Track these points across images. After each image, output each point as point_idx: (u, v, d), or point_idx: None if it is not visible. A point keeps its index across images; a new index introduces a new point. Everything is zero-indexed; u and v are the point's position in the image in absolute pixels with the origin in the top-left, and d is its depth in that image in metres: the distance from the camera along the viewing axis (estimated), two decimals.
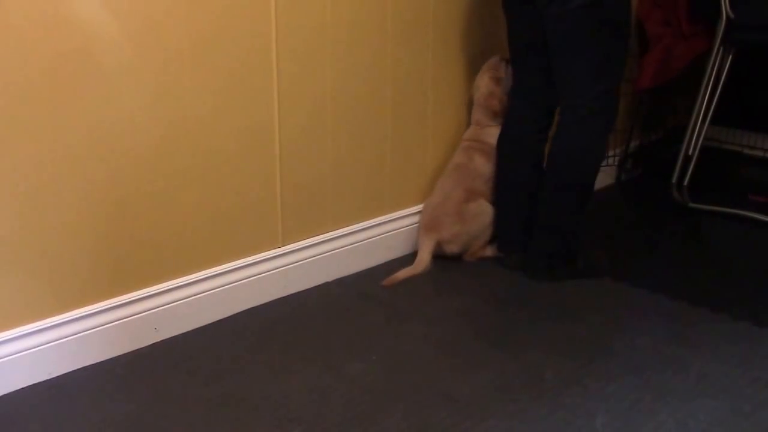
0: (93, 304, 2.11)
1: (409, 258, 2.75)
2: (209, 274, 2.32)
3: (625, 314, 2.43)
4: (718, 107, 3.28)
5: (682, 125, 3.43)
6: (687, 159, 3.32)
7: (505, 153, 2.76)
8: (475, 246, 2.79)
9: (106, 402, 1.97)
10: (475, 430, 1.87)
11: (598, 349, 2.23)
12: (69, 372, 2.09)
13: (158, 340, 2.24)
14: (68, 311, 2.07)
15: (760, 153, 3.78)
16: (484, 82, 2.86)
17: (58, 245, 2.01)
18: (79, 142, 1.97)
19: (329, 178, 2.56)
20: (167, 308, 2.25)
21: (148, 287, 2.21)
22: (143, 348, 2.21)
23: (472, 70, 2.91)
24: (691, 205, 3.26)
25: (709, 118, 3.29)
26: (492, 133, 2.83)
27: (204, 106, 2.18)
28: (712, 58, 3.23)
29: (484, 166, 2.81)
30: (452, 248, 2.76)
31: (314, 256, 2.57)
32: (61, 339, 2.06)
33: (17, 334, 1.99)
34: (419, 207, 2.87)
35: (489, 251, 2.82)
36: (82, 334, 2.09)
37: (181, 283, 2.27)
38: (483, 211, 2.78)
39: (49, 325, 2.04)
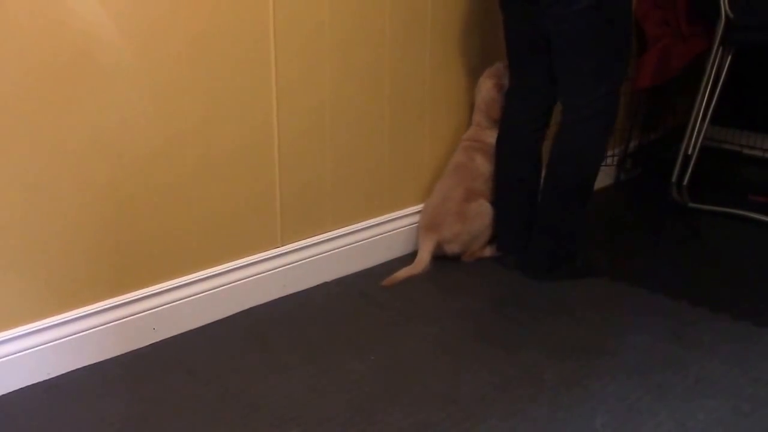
0: (92, 304, 2.11)
1: (409, 258, 2.75)
2: (208, 274, 2.32)
3: (625, 314, 2.43)
4: (717, 107, 3.28)
5: (682, 125, 3.42)
6: (686, 159, 3.32)
7: (504, 153, 2.77)
8: (475, 246, 2.79)
9: (105, 402, 1.97)
10: (474, 430, 1.87)
11: (597, 349, 2.23)
12: (68, 372, 2.09)
13: (157, 340, 2.24)
14: (67, 311, 2.07)
15: (759, 153, 3.78)
16: (486, 88, 2.85)
17: (57, 245, 2.01)
18: (78, 143, 1.97)
19: (328, 178, 2.56)
20: (166, 308, 2.24)
21: (147, 287, 2.21)
22: (142, 348, 2.21)
23: (471, 70, 2.90)
24: (691, 205, 3.26)
25: (708, 118, 3.29)
26: (492, 134, 2.82)
27: (203, 107, 2.18)
28: (712, 58, 3.22)
29: (484, 166, 2.81)
30: (452, 248, 2.75)
31: (313, 256, 2.57)
32: (59, 339, 2.06)
33: (16, 334, 1.99)
34: (418, 207, 2.86)
35: (488, 251, 2.82)
36: (80, 334, 2.09)
37: (180, 283, 2.26)
38: (483, 211, 2.78)
39: (47, 325, 2.04)
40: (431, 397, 2.00)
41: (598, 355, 2.19)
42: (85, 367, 2.11)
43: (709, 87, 3.26)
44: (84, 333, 2.10)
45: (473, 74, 2.89)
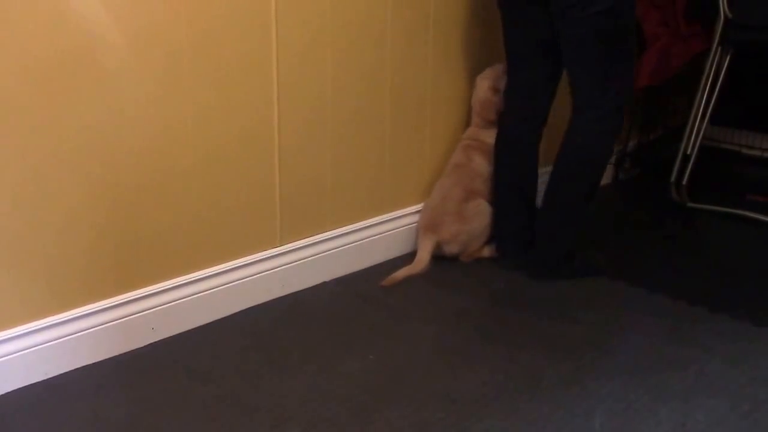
0: (90, 303, 2.11)
1: (408, 257, 2.75)
2: (207, 274, 2.32)
3: (624, 314, 2.43)
4: (716, 107, 3.28)
5: (681, 125, 3.42)
6: (685, 158, 3.32)
7: (503, 153, 2.77)
8: (474, 246, 2.78)
9: (103, 402, 1.97)
10: (473, 430, 1.87)
11: (596, 349, 2.22)
12: (66, 372, 2.08)
13: (156, 339, 2.24)
14: (65, 311, 2.07)
15: (758, 152, 3.78)
16: (482, 88, 2.86)
17: (56, 245, 2.00)
18: (77, 142, 1.97)
19: (328, 178, 2.56)
20: (165, 308, 2.24)
21: (146, 287, 2.21)
22: (141, 348, 2.21)
23: (472, 69, 2.90)
24: (690, 204, 3.26)
25: (707, 118, 3.29)
26: (491, 134, 2.82)
27: (203, 105, 2.18)
28: (711, 58, 3.23)
29: (482, 166, 2.81)
30: (452, 248, 2.75)
31: (312, 256, 2.57)
32: (58, 339, 2.06)
33: (14, 334, 1.99)
34: (418, 206, 2.86)
35: (486, 251, 2.82)
36: (79, 333, 2.09)
37: (179, 283, 2.26)
38: (482, 211, 2.78)
39: (45, 324, 2.03)
40: (430, 397, 2.00)
41: (596, 355, 2.19)
42: (83, 367, 2.11)
43: (708, 87, 3.26)
44: (82, 333, 2.09)
45: (475, 73, 2.89)
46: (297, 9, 2.31)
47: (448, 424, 1.89)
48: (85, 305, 2.10)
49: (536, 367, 2.13)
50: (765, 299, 2.52)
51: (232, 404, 1.96)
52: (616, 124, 2.58)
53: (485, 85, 2.85)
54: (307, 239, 2.55)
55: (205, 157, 2.22)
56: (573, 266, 2.68)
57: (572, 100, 2.58)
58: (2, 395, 1.98)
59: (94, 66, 1.95)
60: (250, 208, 2.38)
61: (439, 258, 2.74)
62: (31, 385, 2.03)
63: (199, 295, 2.31)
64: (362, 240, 2.71)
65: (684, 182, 3.30)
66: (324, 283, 2.61)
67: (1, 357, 1.98)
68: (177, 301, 2.26)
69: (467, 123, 2.93)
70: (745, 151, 3.81)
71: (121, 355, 2.17)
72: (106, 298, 2.13)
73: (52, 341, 2.05)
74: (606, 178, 3.62)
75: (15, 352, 1.99)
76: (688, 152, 3.31)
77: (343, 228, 2.65)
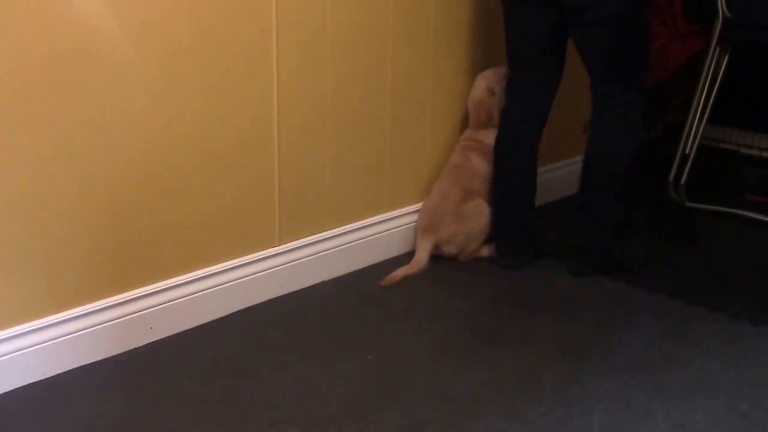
0: (88, 303, 2.11)
1: (407, 256, 2.75)
2: (205, 274, 2.31)
3: (622, 313, 2.43)
4: (715, 106, 3.28)
5: (679, 124, 3.42)
6: (684, 158, 3.32)
7: (503, 152, 2.76)
8: (472, 246, 2.78)
9: (102, 402, 1.97)
10: (471, 429, 1.87)
11: (594, 348, 2.22)
12: (64, 372, 2.08)
13: (154, 339, 2.24)
14: (63, 311, 2.06)
15: (756, 152, 3.78)
16: (479, 89, 2.85)
17: (53, 244, 2.00)
18: (74, 141, 1.97)
19: (327, 177, 2.55)
20: (163, 308, 2.24)
21: (144, 286, 2.20)
22: (139, 348, 2.20)
23: (472, 70, 2.90)
24: (688, 204, 3.26)
25: (706, 117, 3.29)
26: (489, 134, 2.82)
27: (203, 104, 2.18)
28: (709, 58, 3.22)
29: (481, 166, 2.81)
30: (450, 249, 2.75)
31: (311, 255, 2.57)
32: (56, 339, 2.06)
33: (12, 334, 1.99)
34: (417, 206, 2.86)
35: (485, 251, 2.81)
36: (77, 333, 2.09)
37: (177, 283, 2.26)
38: (481, 211, 2.78)
39: (44, 324, 2.03)
40: (428, 396, 2.00)
41: (595, 355, 2.19)
42: (81, 367, 2.10)
43: (706, 86, 3.25)
44: (80, 332, 2.09)
45: (475, 73, 2.89)
46: (297, 7, 2.31)
47: (446, 423, 1.89)
48: (83, 305, 2.10)
49: (535, 366, 2.13)
50: (763, 299, 2.52)
51: (230, 404, 1.96)
52: (639, 117, 2.60)
53: (482, 85, 2.85)
54: (305, 239, 2.55)
55: (204, 155, 2.22)
56: (612, 261, 2.69)
57: (593, 100, 2.60)
58: (0, 395, 1.98)
59: (93, 65, 1.95)
60: (249, 207, 2.37)
61: (437, 258, 2.74)
62: (29, 384, 2.02)
63: (197, 294, 2.30)
64: (361, 239, 2.70)
65: (682, 182, 3.30)
66: (323, 283, 2.61)
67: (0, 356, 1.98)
68: (175, 301, 2.26)
69: (466, 123, 2.92)
70: (743, 150, 3.81)
71: (119, 354, 2.17)
72: (104, 298, 2.13)
73: (50, 341, 2.05)
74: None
75: (13, 352, 1.99)
76: (687, 151, 3.31)
77: (342, 227, 2.65)
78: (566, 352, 2.21)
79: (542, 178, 2.78)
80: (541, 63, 2.63)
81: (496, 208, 2.80)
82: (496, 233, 2.81)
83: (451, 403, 1.97)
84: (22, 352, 2.00)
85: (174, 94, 2.12)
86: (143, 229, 2.16)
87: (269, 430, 1.86)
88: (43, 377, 2.05)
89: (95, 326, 2.12)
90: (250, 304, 2.43)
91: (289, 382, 2.06)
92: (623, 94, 2.53)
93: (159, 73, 2.07)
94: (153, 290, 2.22)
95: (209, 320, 2.34)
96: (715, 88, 3.24)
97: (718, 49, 3.20)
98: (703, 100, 3.27)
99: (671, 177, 3.31)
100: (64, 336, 2.07)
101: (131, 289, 2.18)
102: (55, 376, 2.06)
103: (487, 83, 2.84)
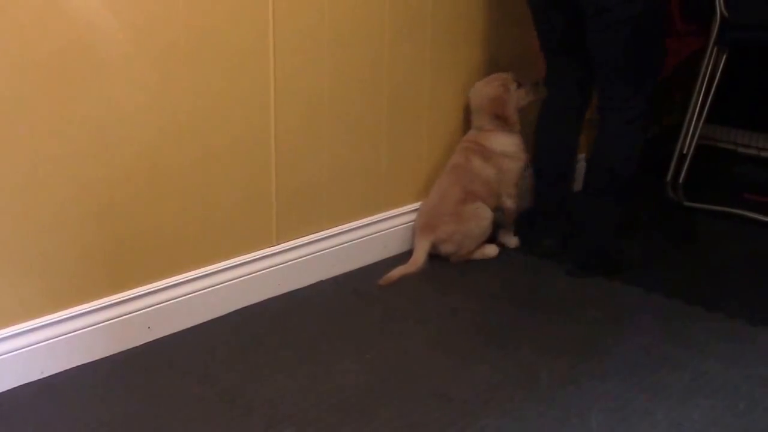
0: (86, 302, 2.10)
1: (405, 256, 2.74)
2: (203, 273, 2.31)
3: (620, 313, 2.43)
4: (712, 105, 3.28)
5: (677, 123, 3.42)
6: (682, 157, 3.32)
7: (545, 146, 2.83)
8: (467, 248, 2.76)
9: (99, 401, 1.96)
10: (469, 429, 1.86)
11: (592, 348, 2.22)
12: (62, 371, 2.08)
13: (151, 339, 2.23)
14: (61, 310, 2.06)
15: (754, 151, 3.78)
16: (492, 88, 2.83)
17: (51, 243, 2.00)
18: (73, 140, 1.96)
19: (325, 176, 2.55)
20: (160, 307, 2.24)
21: (142, 286, 2.20)
22: (136, 347, 2.20)
23: (471, 69, 2.90)
24: (686, 203, 3.26)
25: (704, 117, 3.29)
26: (493, 138, 2.82)
27: (200, 103, 2.18)
28: (707, 57, 3.22)
29: (481, 168, 2.80)
30: (447, 248, 2.75)
31: (309, 255, 2.57)
32: (53, 338, 2.05)
33: (9, 333, 1.98)
34: (414, 206, 2.86)
35: (488, 251, 2.81)
36: (74, 333, 2.08)
37: (175, 282, 2.26)
38: (480, 215, 2.77)
39: (41, 324, 2.03)
40: (426, 396, 1.99)
41: (593, 354, 2.19)
42: (79, 366, 2.10)
43: (704, 85, 3.26)
44: (78, 332, 2.09)
45: (473, 73, 2.89)
46: (294, 6, 2.31)
47: (445, 423, 1.89)
48: (80, 304, 2.09)
49: (532, 366, 2.13)
50: (761, 298, 2.52)
51: (227, 403, 1.96)
52: (646, 121, 2.62)
53: (495, 83, 2.83)
54: (303, 238, 2.55)
55: (201, 155, 2.22)
56: (610, 262, 2.70)
57: (600, 101, 2.62)
58: None
59: (91, 64, 1.95)
60: (247, 206, 2.37)
61: (435, 257, 2.74)
62: (26, 384, 2.02)
63: (194, 294, 2.30)
64: (359, 239, 2.70)
65: (680, 181, 3.30)
66: (320, 282, 2.61)
67: None
68: (172, 301, 2.26)
69: (465, 122, 2.92)
70: (741, 149, 3.81)
71: (116, 354, 2.16)
72: (101, 297, 2.13)
73: (47, 340, 2.04)
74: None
75: (10, 352, 1.99)
76: (685, 151, 3.31)
77: (340, 227, 2.65)
78: (565, 351, 2.21)
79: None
80: (569, 53, 2.68)
81: (537, 190, 2.85)
82: (536, 216, 2.85)
83: (450, 402, 1.97)
84: (19, 351, 2.00)
85: (171, 94, 2.11)
86: (141, 228, 2.15)
87: (267, 429, 1.86)
88: (40, 377, 2.05)
89: (93, 326, 2.11)
90: (247, 304, 2.43)
91: (286, 381, 2.06)
92: (632, 99, 2.55)
93: (156, 72, 2.07)
94: (150, 290, 2.21)
95: (207, 320, 2.34)
96: (713, 87, 3.24)
97: (715, 48, 3.20)
98: (701, 99, 3.27)
99: (669, 176, 3.32)
100: (61, 335, 2.06)
101: (129, 289, 2.18)
102: (52, 375, 2.06)
103: (499, 81, 2.83)
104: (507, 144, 2.83)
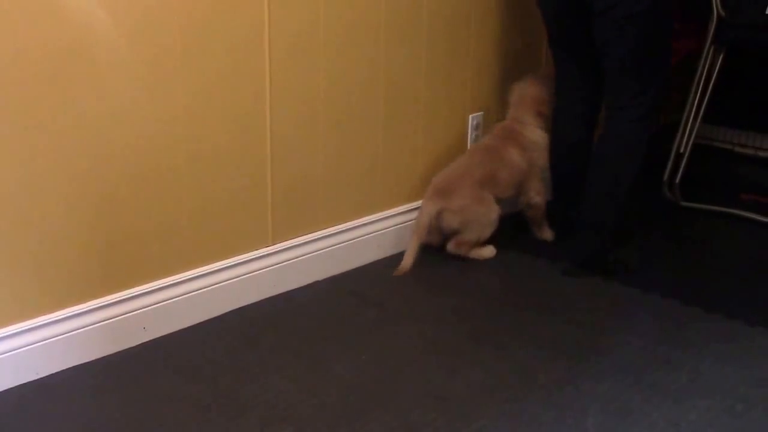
0: (81, 303, 2.10)
1: (400, 257, 2.73)
2: (198, 273, 2.31)
3: (617, 313, 2.43)
4: (709, 105, 3.28)
5: (674, 123, 3.42)
6: (678, 157, 3.32)
7: (560, 150, 2.85)
8: (470, 234, 2.74)
9: (95, 402, 1.96)
10: (466, 430, 1.86)
11: (589, 349, 2.22)
12: (57, 372, 2.07)
13: (147, 339, 2.23)
14: (56, 311, 2.06)
15: (751, 151, 3.78)
16: (537, 88, 2.89)
17: (45, 244, 1.99)
18: (66, 140, 1.96)
19: (320, 176, 2.55)
20: (156, 307, 2.23)
21: (137, 286, 2.20)
22: (132, 347, 2.20)
23: (467, 68, 2.90)
24: (683, 203, 3.26)
25: (700, 117, 3.29)
26: (531, 131, 2.87)
27: (195, 102, 2.17)
28: (704, 57, 3.22)
29: (516, 157, 2.83)
30: (452, 222, 2.73)
31: (304, 255, 2.56)
32: (48, 338, 2.05)
33: (4, 334, 1.98)
34: (410, 205, 2.85)
35: (474, 254, 2.79)
36: (70, 333, 2.08)
37: (170, 282, 2.25)
38: (492, 206, 2.77)
39: (36, 324, 2.02)
40: (422, 397, 1.99)
41: (590, 355, 2.19)
42: (74, 367, 2.10)
43: (701, 85, 3.26)
44: (73, 332, 2.08)
45: (469, 72, 2.89)
46: (290, 5, 2.30)
47: (441, 424, 1.88)
48: (75, 305, 2.09)
49: (529, 367, 2.13)
50: (758, 299, 2.52)
51: (223, 404, 1.95)
52: (653, 121, 2.64)
53: (538, 84, 2.90)
54: (299, 238, 2.54)
55: (196, 155, 2.21)
56: (607, 263, 2.69)
57: (607, 99, 2.64)
58: None
59: (87, 62, 1.95)
60: (242, 206, 2.37)
61: (433, 257, 2.74)
62: (22, 384, 2.01)
63: (190, 294, 2.29)
64: (354, 239, 2.70)
65: (677, 181, 3.30)
66: (316, 283, 2.60)
67: None
68: (168, 301, 2.25)
69: (462, 122, 2.93)
70: (738, 149, 3.81)
71: (112, 354, 2.16)
72: (96, 298, 2.12)
73: (42, 341, 2.04)
74: None
75: (5, 352, 1.98)
76: (681, 151, 3.31)
77: (335, 227, 2.64)
78: (561, 352, 2.20)
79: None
80: (579, 51, 2.69)
81: (556, 199, 2.91)
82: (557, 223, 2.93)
83: (446, 403, 1.97)
84: (14, 352, 1.99)
85: (166, 93, 2.11)
86: (136, 228, 2.15)
87: (263, 429, 1.86)
88: (35, 377, 2.04)
89: (88, 326, 2.11)
90: (243, 304, 2.43)
91: (282, 382, 2.05)
92: (639, 97, 2.56)
93: (151, 71, 2.07)
94: (146, 290, 2.21)
95: (202, 320, 2.34)
96: (710, 87, 3.24)
97: (712, 48, 3.20)
98: (697, 99, 3.27)
99: (666, 176, 3.31)
100: (56, 336, 2.06)
101: (124, 289, 2.17)
102: (47, 376, 2.06)
103: (544, 80, 2.90)
104: (542, 137, 2.89)
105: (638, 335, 2.29)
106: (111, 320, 2.15)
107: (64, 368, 2.09)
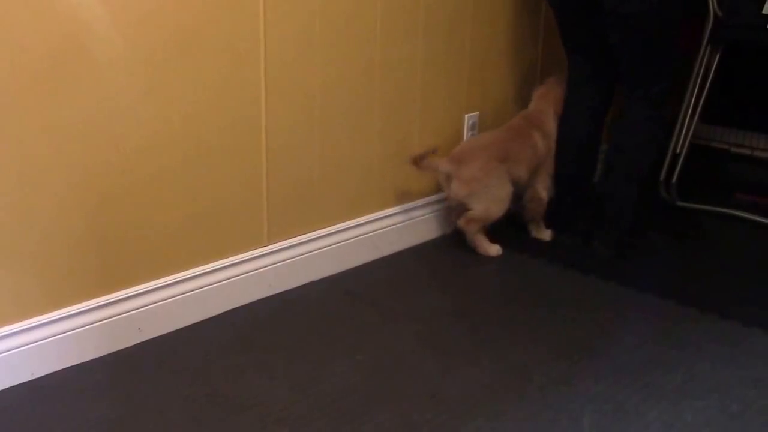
0: (76, 303, 2.09)
1: (396, 257, 2.74)
2: (194, 274, 2.30)
3: (613, 314, 2.43)
4: (706, 105, 3.28)
5: (670, 123, 3.42)
6: (675, 157, 3.32)
7: (568, 147, 2.90)
8: (478, 208, 2.76)
9: (90, 403, 1.95)
10: (461, 430, 1.86)
11: (585, 349, 2.22)
12: (52, 372, 2.07)
13: (142, 340, 2.23)
14: (51, 311, 2.05)
15: (747, 151, 3.78)
16: (559, 90, 2.95)
17: (41, 245, 1.99)
18: (64, 139, 1.95)
19: (316, 177, 2.54)
20: (151, 308, 2.23)
21: (132, 287, 2.19)
22: (127, 348, 2.19)
23: (463, 66, 2.90)
24: (679, 203, 3.26)
25: (697, 116, 3.29)
26: (550, 121, 2.93)
27: (192, 102, 2.17)
28: (700, 57, 3.23)
29: (539, 141, 2.89)
30: (459, 191, 2.75)
31: (300, 255, 2.56)
32: (44, 339, 2.04)
33: None
34: (407, 206, 2.85)
35: (482, 248, 2.79)
36: (65, 334, 2.07)
37: (166, 283, 2.25)
38: (507, 184, 2.79)
39: (32, 324, 2.02)
40: (418, 397, 1.99)
41: (586, 355, 2.19)
42: (69, 368, 2.09)
43: (697, 85, 3.26)
44: (68, 333, 2.08)
45: (465, 72, 2.89)
46: (286, 5, 2.30)
47: (437, 424, 1.88)
48: (71, 305, 2.08)
49: (525, 367, 2.13)
50: (754, 299, 2.52)
51: (219, 405, 1.95)
52: (667, 111, 2.71)
53: (562, 85, 2.95)
54: (294, 239, 2.54)
55: (192, 155, 2.21)
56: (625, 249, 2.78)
57: (624, 91, 2.71)
58: None
59: (84, 62, 1.94)
60: (238, 207, 2.36)
61: (431, 256, 2.74)
62: (17, 385, 2.01)
63: (185, 295, 2.29)
64: (350, 239, 2.70)
65: (673, 180, 3.30)
66: (312, 283, 2.60)
67: None
68: (163, 301, 2.25)
69: (459, 120, 2.93)
70: (734, 149, 3.80)
71: (107, 355, 2.15)
72: (92, 298, 2.12)
73: (38, 341, 2.03)
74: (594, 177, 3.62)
75: (0, 353, 1.97)
76: (678, 151, 3.31)
77: (331, 227, 2.64)
78: (557, 352, 2.20)
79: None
80: (591, 49, 2.75)
81: (559, 198, 2.95)
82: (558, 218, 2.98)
83: (442, 403, 1.96)
84: (9, 352, 1.99)
85: (163, 92, 2.11)
86: (131, 229, 2.15)
87: (259, 430, 1.85)
88: (30, 378, 2.04)
89: (83, 327, 2.11)
90: (238, 305, 2.42)
91: (278, 382, 2.05)
92: (658, 83, 2.63)
93: (147, 71, 2.06)
94: (141, 291, 2.20)
95: (198, 320, 2.33)
96: (706, 87, 3.24)
97: (708, 48, 3.20)
98: (694, 98, 3.27)
99: (662, 176, 3.32)
100: (51, 336, 2.05)
101: (119, 290, 2.17)
102: (42, 376, 2.05)
103: (563, 85, 2.96)
104: (556, 129, 2.94)
105: (634, 335, 2.29)
106: (106, 321, 2.14)
107: (59, 369, 2.08)
